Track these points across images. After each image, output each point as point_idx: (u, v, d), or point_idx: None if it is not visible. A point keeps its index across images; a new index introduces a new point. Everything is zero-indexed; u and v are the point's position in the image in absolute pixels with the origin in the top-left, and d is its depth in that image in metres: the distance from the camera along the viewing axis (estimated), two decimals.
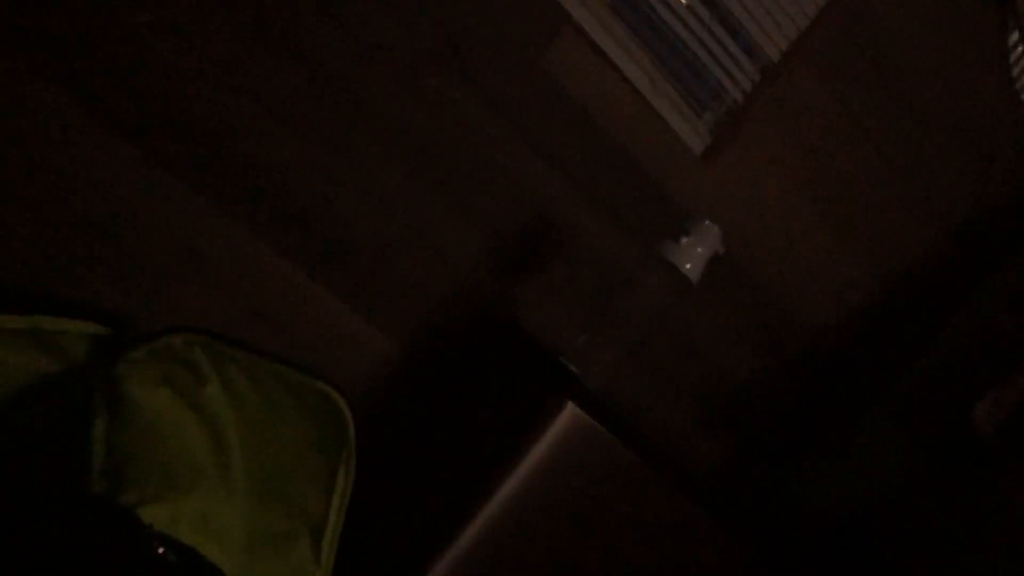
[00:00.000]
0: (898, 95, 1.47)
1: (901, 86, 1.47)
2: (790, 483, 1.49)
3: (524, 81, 1.32)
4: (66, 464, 0.99)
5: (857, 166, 1.47)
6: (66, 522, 0.90)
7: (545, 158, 1.35)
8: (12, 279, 1.15)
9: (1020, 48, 1.45)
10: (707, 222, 1.23)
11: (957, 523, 1.41)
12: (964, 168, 1.52)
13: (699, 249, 1.23)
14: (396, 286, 1.33)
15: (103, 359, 1.07)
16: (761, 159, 1.43)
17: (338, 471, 1.09)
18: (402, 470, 1.31)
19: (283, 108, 1.23)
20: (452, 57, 1.28)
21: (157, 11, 1.15)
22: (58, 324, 1.07)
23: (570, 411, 1.20)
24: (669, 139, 1.41)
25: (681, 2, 1.43)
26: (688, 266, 1.23)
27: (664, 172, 1.40)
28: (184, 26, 1.16)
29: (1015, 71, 1.46)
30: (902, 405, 1.45)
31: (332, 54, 1.23)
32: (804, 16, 1.46)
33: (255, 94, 1.21)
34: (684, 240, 1.25)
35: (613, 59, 1.38)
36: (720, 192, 1.42)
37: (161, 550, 0.90)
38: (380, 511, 1.22)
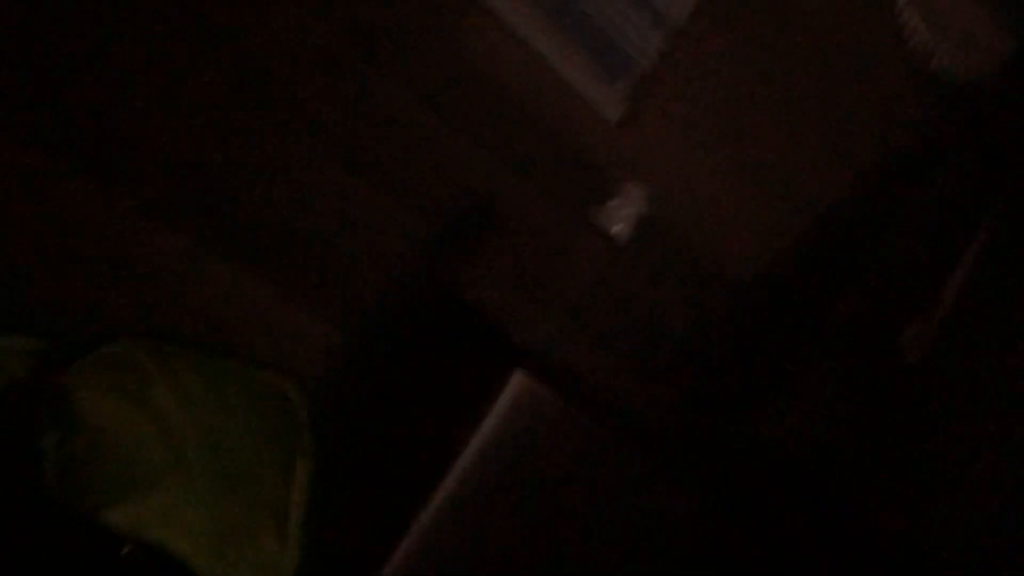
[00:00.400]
0: (802, 46, 1.53)
1: (804, 37, 1.53)
2: (739, 427, 1.54)
3: (441, 64, 1.34)
4: (21, 481, 0.98)
5: (769, 118, 1.53)
6: (29, 534, 0.90)
7: (470, 136, 1.38)
8: None
9: None
10: (630, 185, 1.28)
11: (896, 448, 1.48)
12: (870, 111, 1.59)
13: (625, 211, 1.27)
14: (336, 276, 1.34)
15: (45, 373, 1.07)
16: (677, 120, 1.48)
17: (296, 459, 1.10)
18: (361, 455, 1.33)
19: (206, 109, 1.23)
20: (369, 46, 1.30)
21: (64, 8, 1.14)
22: None
23: (518, 379, 1.22)
24: (588, 109, 1.45)
25: None
26: (616, 228, 1.27)
27: (587, 141, 1.44)
28: (100, 26, 1.16)
29: (902, 19, 1.53)
30: (833, 340, 1.51)
31: (253, 50, 1.24)
32: None
33: (177, 97, 1.21)
34: (610, 204, 1.29)
35: (524, 36, 1.42)
36: (642, 155, 1.46)
37: (127, 549, 0.91)
38: (344, 495, 1.23)
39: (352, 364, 1.37)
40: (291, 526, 1.06)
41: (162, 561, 0.94)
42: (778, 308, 1.54)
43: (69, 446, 1.01)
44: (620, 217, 1.27)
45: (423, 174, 1.36)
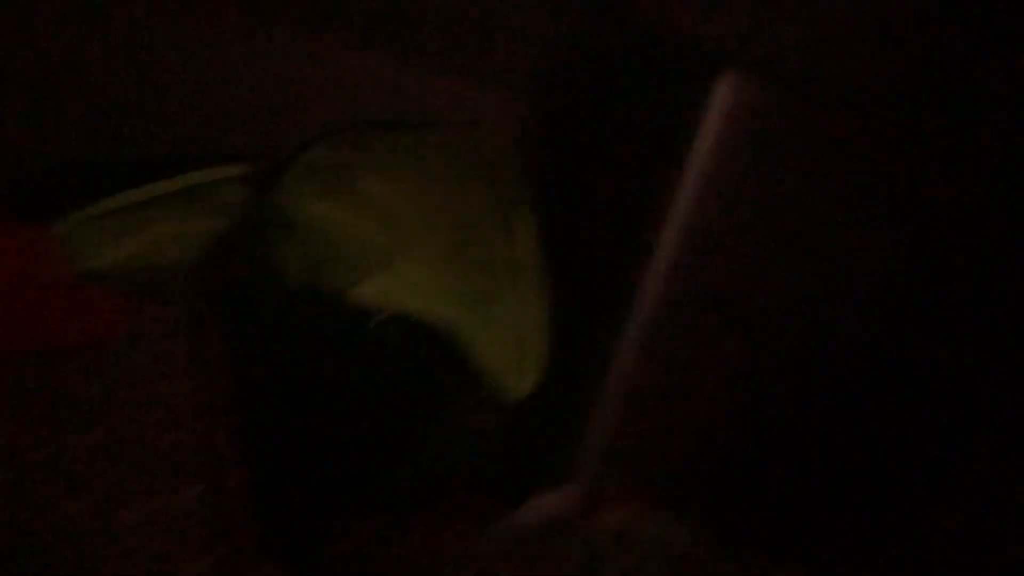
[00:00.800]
0: None
1: None
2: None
3: None
4: (267, 297, 1.02)
5: None
6: (290, 320, 0.93)
7: None
8: (129, 150, 1.15)
9: None
10: None
11: None
12: None
13: None
14: (509, 39, 1.27)
15: (259, 194, 1.09)
16: None
17: (518, 212, 1.07)
18: (575, 209, 1.28)
19: None
20: None
21: None
22: (207, 175, 1.09)
23: (728, 81, 1.12)
24: None
25: None
26: None
27: None
28: None
29: None
30: None
31: None
32: None
33: None
34: None
35: None
36: None
37: (380, 320, 0.92)
38: (570, 243, 1.19)
39: (547, 124, 1.31)
40: (531, 278, 1.04)
41: (417, 328, 0.94)
42: None
43: (301, 252, 1.03)
44: None
45: None
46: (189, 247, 1.06)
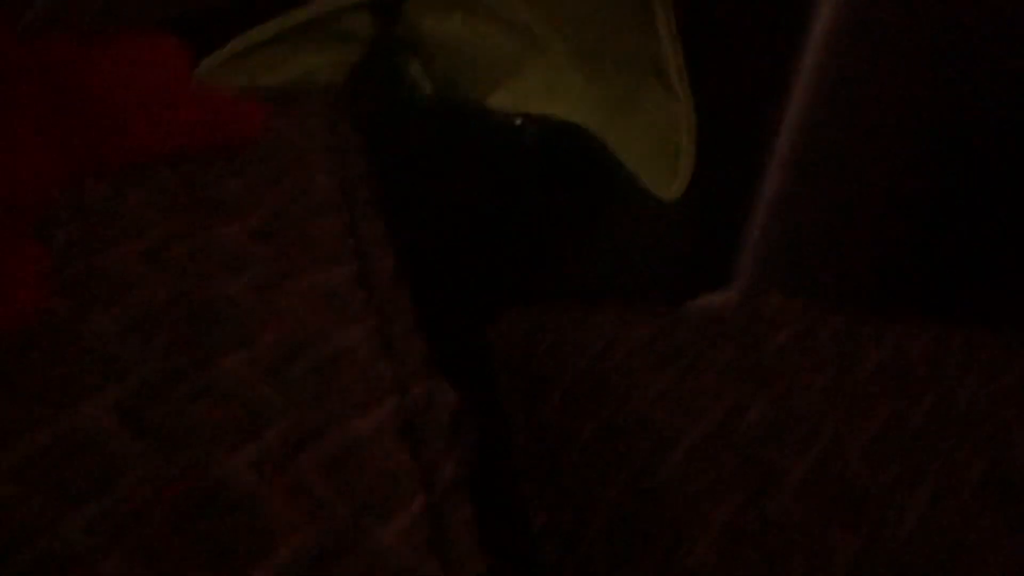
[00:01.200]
0: None
1: None
2: None
3: None
4: (404, 111, 1.01)
5: None
6: (431, 128, 0.92)
7: None
8: None
9: None
10: None
11: None
12: None
13: None
14: None
15: (385, 18, 1.07)
16: None
17: (654, 6, 1.00)
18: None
19: None
20: None
21: None
22: (331, 4, 1.06)
23: None
24: None
25: None
26: None
27: None
28: None
29: None
30: None
31: None
32: None
33: None
34: None
35: None
36: None
37: (518, 122, 0.89)
38: (713, 37, 1.10)
39: None
40: (672, 74, 0.98)
41: (556, 129, 0.91)
42: None
43: (431, 69, 1.01)
44: None
45: None
46: (322, 80, 1.05)
